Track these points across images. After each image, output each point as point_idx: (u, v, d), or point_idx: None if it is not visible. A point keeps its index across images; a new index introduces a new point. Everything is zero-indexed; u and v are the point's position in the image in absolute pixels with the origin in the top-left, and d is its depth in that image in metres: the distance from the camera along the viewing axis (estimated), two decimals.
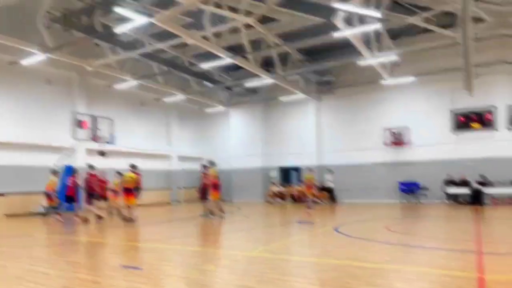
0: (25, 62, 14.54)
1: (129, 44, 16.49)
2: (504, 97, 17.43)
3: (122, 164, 19.97)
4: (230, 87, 22.94)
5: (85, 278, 4.84)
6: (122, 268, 5.33)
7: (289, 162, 22.51)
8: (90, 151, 18.11)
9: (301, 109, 22.48)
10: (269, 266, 5.37)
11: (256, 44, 16.42)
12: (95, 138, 16.24)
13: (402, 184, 18.42)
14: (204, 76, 21.01)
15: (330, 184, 19.61)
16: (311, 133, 22.11)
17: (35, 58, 14.18)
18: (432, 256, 5.78)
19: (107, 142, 16.78)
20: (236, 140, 24.46)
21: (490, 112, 17.70)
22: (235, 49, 16.57)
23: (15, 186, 15.36)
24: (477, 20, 13.58)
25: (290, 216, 12.38)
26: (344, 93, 21.12)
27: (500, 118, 17.51)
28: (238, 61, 15.74)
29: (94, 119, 16.31)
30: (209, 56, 16.27)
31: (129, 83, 18.33)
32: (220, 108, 24.51)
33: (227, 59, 15.27)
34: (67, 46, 14.48)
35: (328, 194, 19.43)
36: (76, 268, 5.54)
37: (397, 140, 19.31)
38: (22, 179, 15.57)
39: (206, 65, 16.66)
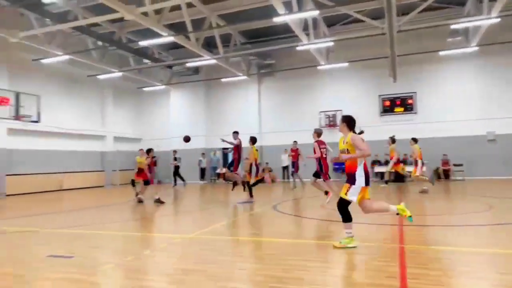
0: None
1: (60, 16, 15.26)
2: (422, 84, 19.41)
3: (49, 145, 18.85)
4: (171, 66, 22.36)
5: (4, 272, 4.43)
6: (50, 258, 4.93)
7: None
8: (12, 131, 16.72)
9: (242, 91, 22.74)
10: (208, 247, 5.50)
11: (198, 23, 16.17)
12: (18, 117, 14.99)
13: (335, 164, 19.66)
14: (143, 53, 20.21)
15: (284, 163, 20.35)
16: (253, 114, 22.53)
17: None
18: (360, 229, 6.41)
19: (33, 121, 15.60)
20: (177, 121, 24.04)
21: (411, 98, 19.64)
22: (177, 27, 16.18)
23: None
24: (401, 13, 14.80)
25: (231, 197, 12.70)
26: (284, 76, 21.74)
27: (420, 103, 19.50)
28: (179, 40, 15.40)
29: (17, 95, 14.98)
30: (149, 33, 15.71)
31: (58, 58, 17.02)
32: (160, 87, 23.83)
33: (167, 38, 14.88)
34: None
35: (283, 172, 20.62)
36: None
37: (331, 123, 20.48)
38: None
39: (145, 43, 16.03)
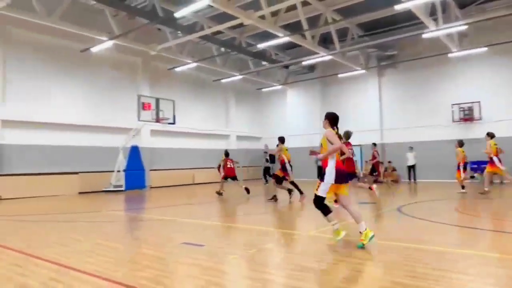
0: (95, 49, 15.61)
1: (189, 28, 16.99)
2: None
3: (183, 144, 21.16)
4: (287, 66, 22.81)
5: (149, 254, 5.09)
6: (184, 245, 5.44)
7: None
8: (154, 132, 19.25)
9: (360, 85, 21.83)
10: (327, 246, 5.38)
11: (314, 20, 16.09)
12: (158, 119, 17.04)
13: (473, 163, 17.32)
14: (261, 55, 21.09)
15: (410, 162, 19.03)
16: (373, 110, 21.43)
17: (104, 45, 15.17)
18: (503, 240, 5.51)
19: (169, 123, 17.57)
20: (294, 119, 24.46)
21: None
22: (292, 27, 16.40)
23: (87, 165, 16.40)
24: None
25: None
26: (408, 67, 20.09)
27: None
28: (295, 39, 15.57)
29: (157, 101, 17.04)
30: (266, 35, 16.28)
31: (188, 66, 18.98)
32: (277, 87, 24.56)
33: (284, 38, 15.19)
34: (132, 32, 15.29)
35: (409, 172, 19.12)
36: (141, 243, 5.88)
37: (467, 116, 18.11)
38: (93, 159, 16.63)
39: (263, 45, 16.69)
